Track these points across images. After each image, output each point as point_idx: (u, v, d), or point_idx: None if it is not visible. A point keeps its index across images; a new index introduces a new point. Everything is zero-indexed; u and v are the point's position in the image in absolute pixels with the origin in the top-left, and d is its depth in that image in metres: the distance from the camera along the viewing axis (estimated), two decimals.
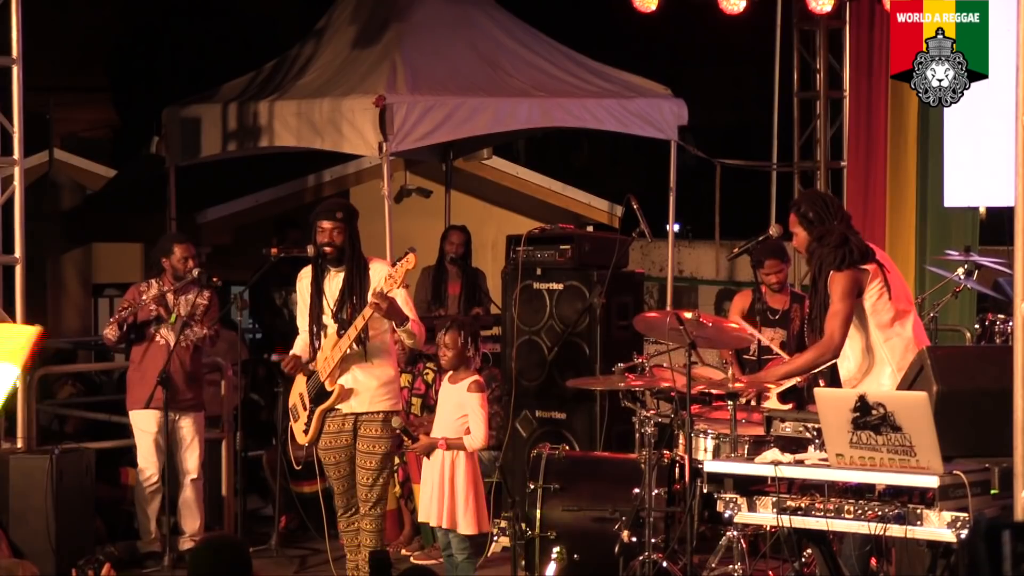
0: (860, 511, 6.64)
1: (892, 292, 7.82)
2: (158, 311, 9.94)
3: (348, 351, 8.59)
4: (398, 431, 8.75)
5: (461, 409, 8.72)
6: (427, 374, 10.40)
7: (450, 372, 8.89)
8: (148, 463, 9.95)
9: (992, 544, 4.12)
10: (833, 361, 7.85)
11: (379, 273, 8.59)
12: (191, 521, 10.08)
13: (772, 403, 9.25)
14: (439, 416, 8.88)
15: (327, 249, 8.65)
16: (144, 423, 9.90)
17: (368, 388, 8.65)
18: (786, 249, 10.38)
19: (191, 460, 10.08)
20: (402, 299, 8.58)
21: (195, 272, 9.96)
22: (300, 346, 8.86)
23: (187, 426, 10.04)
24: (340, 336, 8.60)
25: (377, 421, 8.66)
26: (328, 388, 8.64)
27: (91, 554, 9.57)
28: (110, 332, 9.97)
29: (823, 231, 7.83)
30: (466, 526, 8.65)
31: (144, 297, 9.98)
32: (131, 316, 9.90)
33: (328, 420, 8.71)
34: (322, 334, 8.70)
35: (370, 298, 8.38)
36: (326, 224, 8.64)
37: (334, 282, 8.71)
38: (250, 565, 5.77)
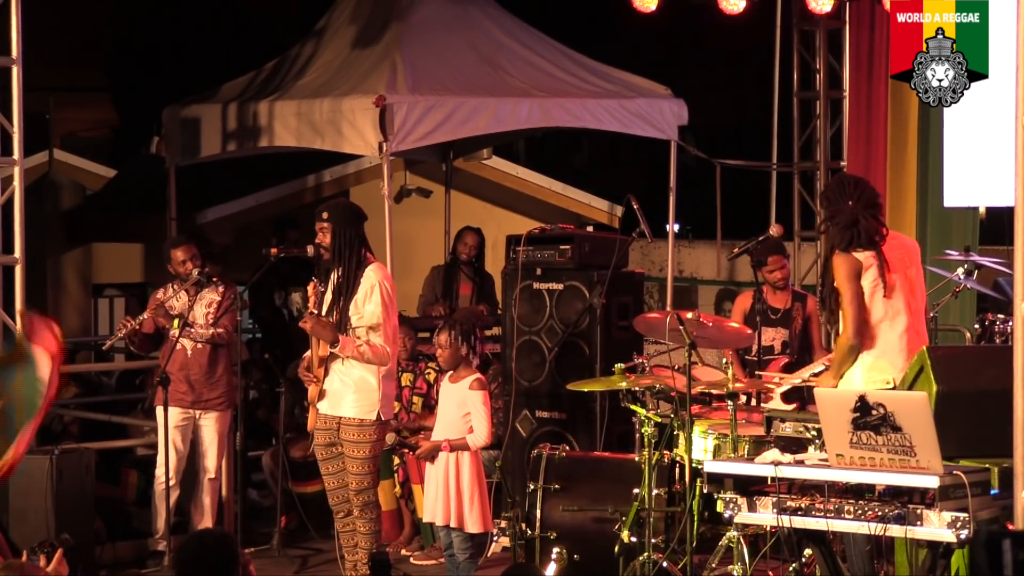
0: (860, 511, 6.64)
1: (888, 290, 7.85)
2: (162, 324, 9.95)
3: (329, 352, 8.63)
4: (396, 446, 8.79)
5: (464, 407, 8.73)
6: (429, 373, 10.41)
7: (450, 371, 8.90)
8: (162, 461, 9.91)
9: (993, 554, 4.12)
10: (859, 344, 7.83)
11: (368, 279, 8.61)
12: (205, 522, 10.08)
13: (775, 403, 9.27)
14: (441, 415, 8.88)
15: (321, 251, 8.71)
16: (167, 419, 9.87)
17: (345, 393, 8.68)
18: (785, 246, 10.42)
19: (210, 459, 10.09)
20: (374, 313, 8.59)
21: (194, 273, 9.96)
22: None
23: (208, 425, 10.06)
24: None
25: (353, 426, 8.66)
26: (315, 385, 8.71)
27: (89, 553, 9.61)
28: (125, 334, 10.00)
29: (834, 211, 7.91)
30: (473, 524, 8.67)
31: (160, 299, 10.02)
32: (133, 330, 9.87)
33: (317, 418, 8.75)
34: None
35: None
36: (316, 225, 8.73)
37: (331, 282, 8.75)
38: (237, 559, 5.74)
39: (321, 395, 8.72)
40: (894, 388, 7.71)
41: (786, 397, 9.48)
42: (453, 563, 8.79)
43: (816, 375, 8.49)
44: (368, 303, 8.60)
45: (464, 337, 8.82)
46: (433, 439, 8.81)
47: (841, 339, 7.92)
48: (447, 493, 8.66)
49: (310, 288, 8.69)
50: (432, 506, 8.75)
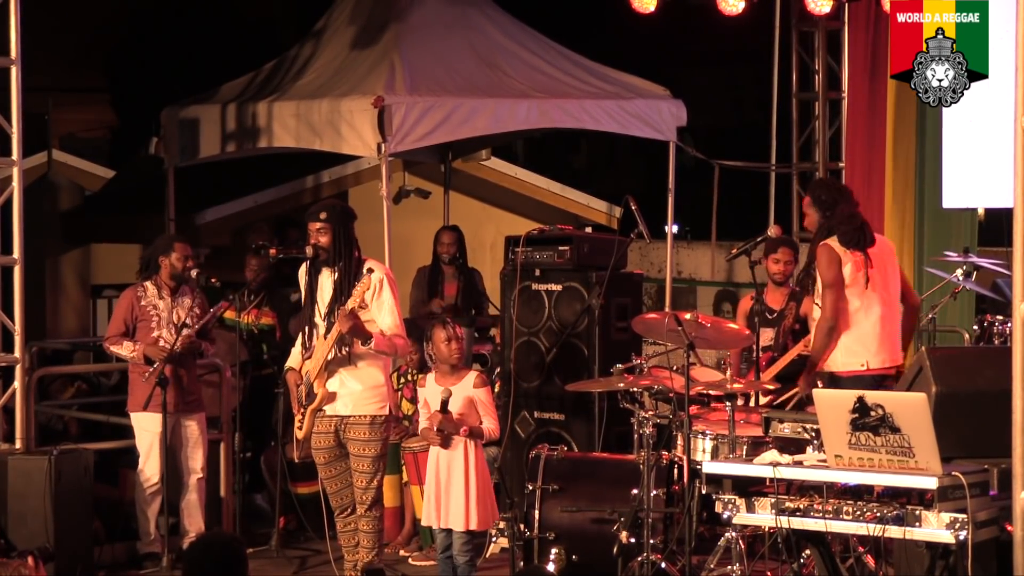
0: (859, 512, 6.64)
1: (870, 283, 8.97)
2: (203, 346, 9.98)
3: (333, 355, 8.61)
4: (444, 400, 8.68)
5: (472, 404, 8.73)
6: None
7: (434, 373, 8.87)
8: (150, 464, 9.92)
9: None
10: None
11: (374, 274, 8.60)
12: (195, 520, 10.08)
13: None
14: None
15: (318, 251, 8.69)
16: (148, 424, 9.86)
17: (353, 391, 8.65)
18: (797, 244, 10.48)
19: (197, 459, 10.08)
20: (388, 308, 8.59)
21: (193, 273, 9.95)
22: (295, 351, 8.88)
23: (192, 426, 10.05)
24: (326, 338, 8.64)
25: (364, 424, 8.65)
26: (316, 390, 8.66)
27: (88, 554, 9.60)
28: (126, 354, 9.90)
29: (835, 209, 8.97)
30: (483, 522, 8.68)
31: (143, 302, 9.96)
32: (164, 364, 9.83)
33: (317, 420, 8.73)
34: (314, 334, 8.71)
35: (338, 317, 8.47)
36: (312, 226, 8.70)
37: (327, 283, 8.72)
38: (245, 562, 5.75)
39: (330, 398, 8.68)
40: (867, 370, 8.88)
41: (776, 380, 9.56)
42: (449, 565, 8.78)
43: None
44: (380, 299, 8.58)
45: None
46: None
47: (820, 320, 8.91)
48: (466, 493, 8.64)
49: (367, 279, 8.55)
50: (437, 509, 8.71)
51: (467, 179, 15.70)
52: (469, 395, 8.75)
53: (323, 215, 8.68)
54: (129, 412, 10.04)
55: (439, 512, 8.71)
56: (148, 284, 10.03)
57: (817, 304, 9.06)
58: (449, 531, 8.75)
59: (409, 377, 10.36)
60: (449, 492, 8.68)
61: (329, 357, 8.64)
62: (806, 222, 9.41)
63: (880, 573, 7.75)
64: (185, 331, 9.84)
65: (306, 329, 8.77)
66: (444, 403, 8.62)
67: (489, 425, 8.76)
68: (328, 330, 8.62)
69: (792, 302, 10.27)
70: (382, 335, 8.55)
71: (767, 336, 10.04)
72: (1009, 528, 6.63)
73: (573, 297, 10.16)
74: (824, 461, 6.82)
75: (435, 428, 8.67)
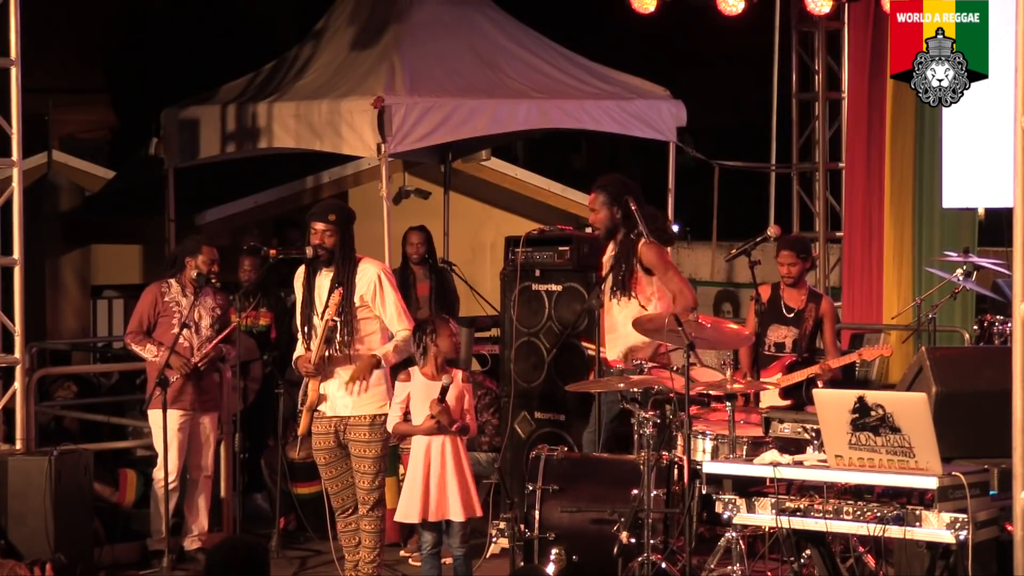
0: (859, 512, 6.64)
1: None
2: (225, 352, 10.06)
3: (333, 354, 8.61)
4: (445, 387, 8.66)
5: (462, 399, 8.73)
6: None
7: (418, 367, 8.87)
8: (169, 462, 9.88)
9: None
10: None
11: (365, 274, 8.60)
12: (201, 518, 10.08)
13: (772, 398, 9.28)
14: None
15: (319, 252, 8.67)
16: (168, 422, 9.84)
17: (351, 392, 8.65)
18: (808, 246, 10.36)
19: (207, 457, 10.11)
20: (391, 303, 8.62)
21: (193, 274, 9.95)
22: (299, 347, 8.87)
23: (207, 424, 10.08)
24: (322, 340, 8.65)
25: (364, 425, 8.64)
26: (310, 390, 8.67)
27: (88, 555, 9.61)
28: (150, 357, 9.92)
29: (639, 209, 9.25)
30: (471, 509, 8.66)
31: (166, 298, 9.97)
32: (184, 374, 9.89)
33: (317, 421, 8.72)
34: (312, 334, 8.70)
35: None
36: (318, 226, 8.67)
37: (324, 284, 8.70)
38: (267, 567, 5.74)
39: (321, 399, 8.69)
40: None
41: (784, 393, 9.52)
42: (433, 562, 8.74)
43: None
44: (380, 297, 8.58)
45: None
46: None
47: (688, 303, 9.08)
48: (465, 483, 8.64)
49: (335, 296, 8.59)
50: (425, 504, 8.69)
51: (467, 179, 15.71)
52: (460, 388, 8.76)
53: (332, 216, 8.66)
54: (147, 411, 10.00)
55: (427, 506, 8.68)
56: (173, 281, 10.04)
57: (634, 304, 9.22)
58: (438, 527, 8.71)
59: None
60: (445, 484, 8.65)
61: (324, 354, 8.63)
62: (593, 218, 9.57)
63: (880, 573, 7.75)
64: (204, 348, 9.92)
65: (304, 330, 8.76)
66: (444, 390, 8.62)
67: (471, 421, 8.79)
68: (325, 331, 8.62)
69: (811, 303, 10.18)
70: (387, 353, 8.59)
71: (780, 333, 10.02)
72: (1009, 528, 6.62)
73: (573, 297, 10.15)
74: (824, 461, 6.82)
75: (431, 415, 8.66)
